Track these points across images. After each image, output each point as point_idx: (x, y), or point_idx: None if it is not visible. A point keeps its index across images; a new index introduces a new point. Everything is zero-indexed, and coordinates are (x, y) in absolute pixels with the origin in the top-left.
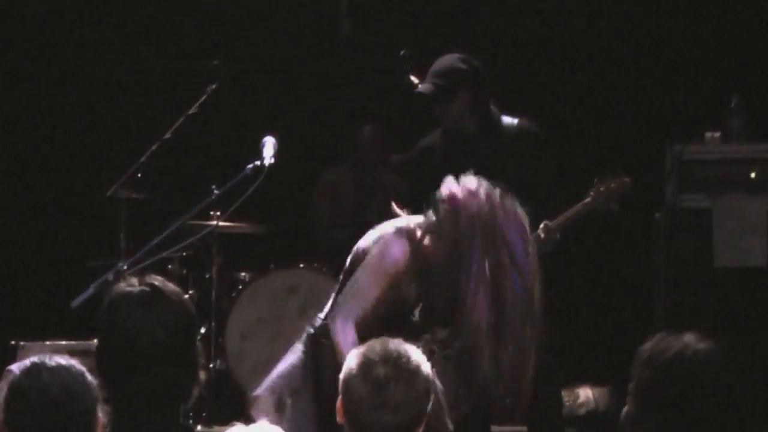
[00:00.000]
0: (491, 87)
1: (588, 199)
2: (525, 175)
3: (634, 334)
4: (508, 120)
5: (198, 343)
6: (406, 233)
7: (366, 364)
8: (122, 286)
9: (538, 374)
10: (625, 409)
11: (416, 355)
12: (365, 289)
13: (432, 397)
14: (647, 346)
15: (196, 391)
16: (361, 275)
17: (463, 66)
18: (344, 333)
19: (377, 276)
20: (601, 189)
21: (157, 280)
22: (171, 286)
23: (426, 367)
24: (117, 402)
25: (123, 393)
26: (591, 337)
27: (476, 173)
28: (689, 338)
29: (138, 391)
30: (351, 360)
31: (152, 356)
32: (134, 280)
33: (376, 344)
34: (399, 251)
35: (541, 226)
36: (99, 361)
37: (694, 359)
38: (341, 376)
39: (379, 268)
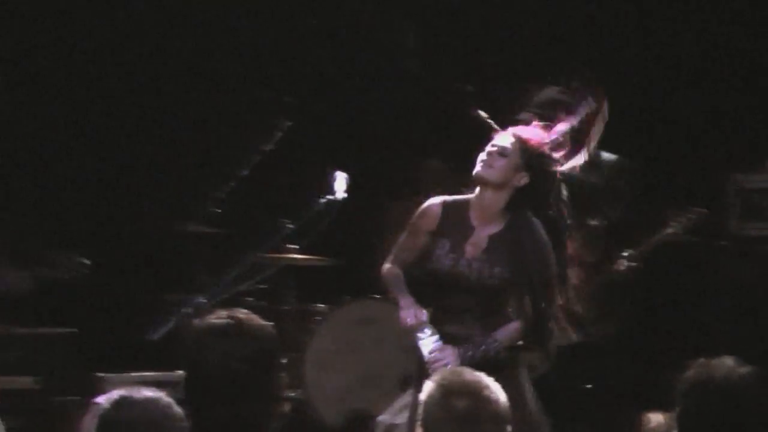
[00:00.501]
0: None
1: (670, 230)
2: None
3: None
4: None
5: (281, 376)
6: (443, 198)
7: (448, 396)
8: (208, 318)
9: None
10: None
11: (493, 383)
12: (401, 236)
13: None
14: (690, 373)
15: (276, 424)
16: None
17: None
18: (384, 269)
19: (409, 224)
20: (681, 220)
21: (242, 313)
22: (255, 319)
23: (503, 394)
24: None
25: (205, 424)
26: (659, 363)
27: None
28: (730, 362)
29: (219, 422)
30: (431, 392)
31: (232, 388)
32: (222, 313)
33: (452, 375)
34: (431, 205)
35: (626, 254)
36: (186, 392)
37: (740, 383)
38: (421, 407)
39: (412, 218)
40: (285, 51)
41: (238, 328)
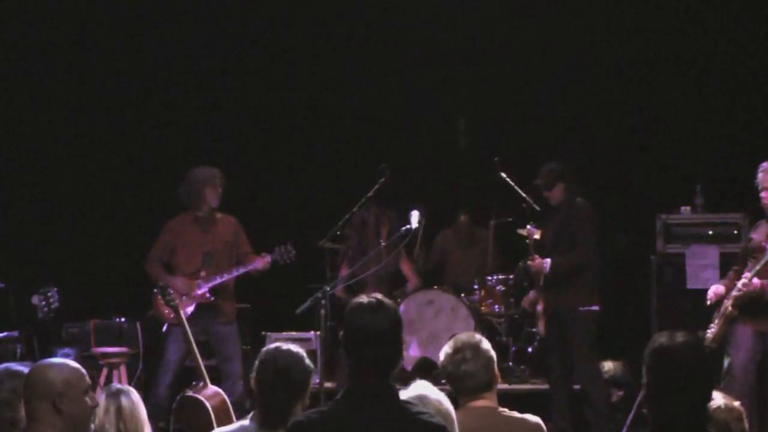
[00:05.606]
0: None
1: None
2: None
3: (638, 331)
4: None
5: (401, 338)
6: None
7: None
8: (359, 298)
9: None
10: (643, 379)
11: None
12: None
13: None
14: (654, 338)
15: (400, 363)
16: None
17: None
18: None
19: None
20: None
21: (379, 296)
22: (387, 300)
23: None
24: (351, 370)
25: (356, 364)
26: (612, 335)
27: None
28: (675, 335)
29: (366, 363)
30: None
31: (376, 341)
32: (364, 297)
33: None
34: None
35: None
36: (323, 345)
37: (676, 347)
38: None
39: None
40: (379, 130)
41: (377, 304)
